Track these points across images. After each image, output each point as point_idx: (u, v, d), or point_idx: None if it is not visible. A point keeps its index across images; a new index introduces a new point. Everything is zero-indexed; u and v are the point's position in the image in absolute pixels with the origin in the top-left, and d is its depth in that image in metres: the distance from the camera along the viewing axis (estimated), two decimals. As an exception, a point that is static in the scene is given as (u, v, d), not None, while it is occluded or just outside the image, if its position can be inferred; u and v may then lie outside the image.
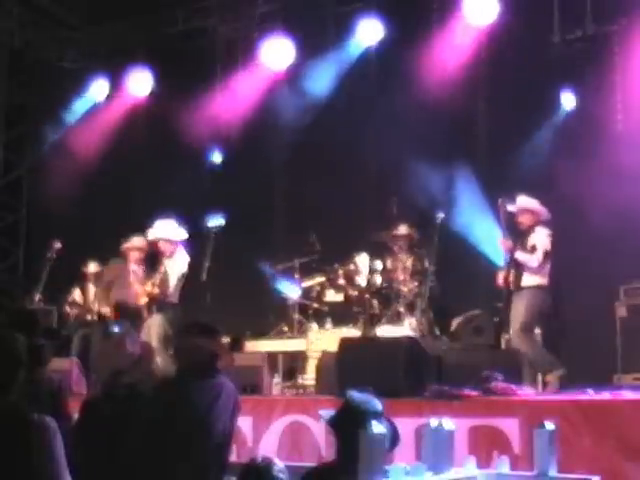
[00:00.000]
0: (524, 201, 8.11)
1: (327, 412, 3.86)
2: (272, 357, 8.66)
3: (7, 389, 3.15)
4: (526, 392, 6.46)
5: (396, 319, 9.33)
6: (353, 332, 9.25)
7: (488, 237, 9.55)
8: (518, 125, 9.82)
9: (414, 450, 5.35)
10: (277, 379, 8.74)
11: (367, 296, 9.53)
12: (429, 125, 9.96)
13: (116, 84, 12.83)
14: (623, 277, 8.58)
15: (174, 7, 12.33)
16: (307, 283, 10.06)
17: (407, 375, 6.52)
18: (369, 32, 11.15)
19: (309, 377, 8.72)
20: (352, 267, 9.73)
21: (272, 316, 10.49)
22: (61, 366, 8.78)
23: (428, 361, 6.91)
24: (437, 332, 9.30)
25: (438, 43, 10.36)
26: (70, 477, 3.19)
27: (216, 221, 9.60)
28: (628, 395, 6.06)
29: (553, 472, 3.87)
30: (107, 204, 11.94)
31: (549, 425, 3.96)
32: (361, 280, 9.62)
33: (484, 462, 4.77)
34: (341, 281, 9.81)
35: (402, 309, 9.33)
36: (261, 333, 10.10)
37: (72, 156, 12.29)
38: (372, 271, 9.61)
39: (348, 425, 3.59)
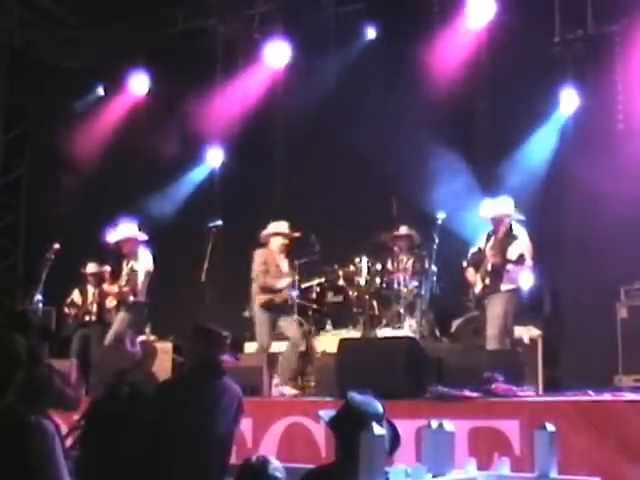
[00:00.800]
0: (500, 206, 8.00)
1: (327, 412, 3.84)
2: (272, 358, 8.64)
3: (5, 390, 3.14)
4: (527, 393, 6.44)
5: (396, 320, 9.32)
6: (353, 333, 9.23)
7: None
8: (518, 125, 9.81)
9: (414, 452, 5.33)
10: (277, 380, 8.72)
11: (367, 297, 9.51)
12: (429, 125, 9.95)
13: (116, 84, 12.82)
14: (624, 278, 8.57)
15: (174, 7, 12.33)
16: (306, 284, 10.05)
17: (407, 376, 6.50)
18: (369, 33, 11.15)
19: (309, 378, 8.70)
20: (352, 268, 9.71)
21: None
22: (60, 367, 8.77)
23: (428, 362, 6.89)
24: (437, 333, 9.28)
25: (438, 43, 10.35)
26: (70, 478, 3.18)
27: (215, 221, 9.59)
28: (629, 396, 6.04)
29: (554, 474, 3.85)
30: (107, 204, 11.91)
31: (550, 426, 3.94)
32: (361, 281, 9.60)
33: (485, 464, 4.75)
34: (341, 282, 9.79)
35: (402, 310, 9.32)
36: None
37: (72, 156, 12.27)
38: (372, 272, 9.59)
39: (348, 427, 3.57)
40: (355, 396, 3.76)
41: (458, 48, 10.33)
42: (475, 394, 6.16)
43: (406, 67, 10.29)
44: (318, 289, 9.95)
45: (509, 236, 7.88)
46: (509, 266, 7.74)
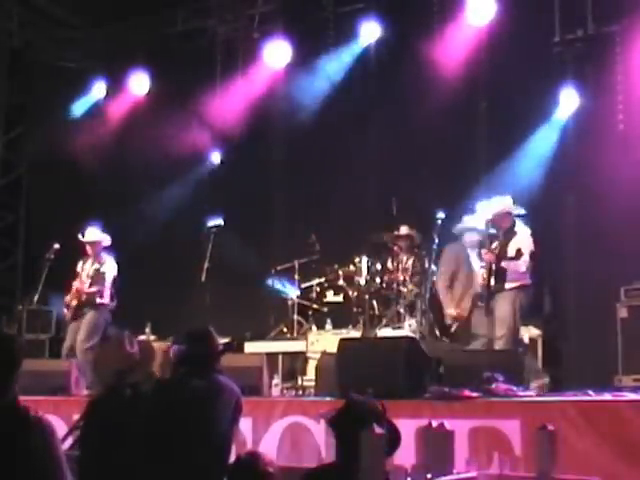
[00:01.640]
0: (503, 203, 7.99)
1: (327, 412, 3.84)
2: (272, 358, 8.64)
3: (5, 389, 3.15)
4: (527, 393, 6.44)
5: (396, 320, 9.32)
6: (353, 333, 9.23)
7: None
8: (518, 125, 9.81)
9: (414, 451, 5.33)
10: (277, 380, 8.72)
11: (367, 297, 9.51)
12: (429, 125, 9.94)
13: (116, 84, 12.82)
14: (624, 278, 8.57)
15: (174, 7, 12.32)
16: (306, 284, 10.05)
17: (407, 376, 6.49)
18: (369, 32, 11.15)
19: (309, 378, 8.70)
20: (352, 268, 9.71)
21: (272, 317, 10.48)
22: (60, 367, 8.78)
23: (428, 362, 6.88)
24: (437, 333, 9.28)
25: (438, 43, 10.35)
26: (70, 475, 3.18)
27: (215, 222, 9.59)
28: (629, 396, 6.04)
29: (554, 473, 3.86)
30: (107, 204, 11.91)
31: (550, 426, 3.94)
32: (361, 281, 9.60)
33: (485, 463, 4.76)
34: (341, 282, 9.79)
35: (402, 310, 9.32)
36: (261, 334, 10.08)
37: (71, 156, 12.26)
38: (372, 272, 9.59)
39: (348, 427, 3.57)
40: (355, 396, 3.76)
41: (458, 48, 10.33)
42: (475, 394, 6.15)
43: (406, 67, 10.29)
44: (318, 289, 9.96)
45: (510, 232, 7.87)
46: (504, 263, 7.73)
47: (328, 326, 9.70)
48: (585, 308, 8.98)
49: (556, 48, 9.94)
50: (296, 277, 10.05)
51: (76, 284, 9.36)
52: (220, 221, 9.59)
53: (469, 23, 10.38)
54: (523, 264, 7.72)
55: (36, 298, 10.01)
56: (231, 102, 11.85)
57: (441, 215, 8.88)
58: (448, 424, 3.90)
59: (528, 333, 8.66)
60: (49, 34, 13.20)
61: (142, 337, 9.68)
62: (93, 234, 9.56)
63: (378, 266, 9.63)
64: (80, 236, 9.55)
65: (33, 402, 3.25)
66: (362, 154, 10.60)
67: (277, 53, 11.67)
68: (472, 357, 7.45)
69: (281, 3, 11.80)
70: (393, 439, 3.70)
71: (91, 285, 9.25)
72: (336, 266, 9.83)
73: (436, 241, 8.80)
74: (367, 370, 6.48)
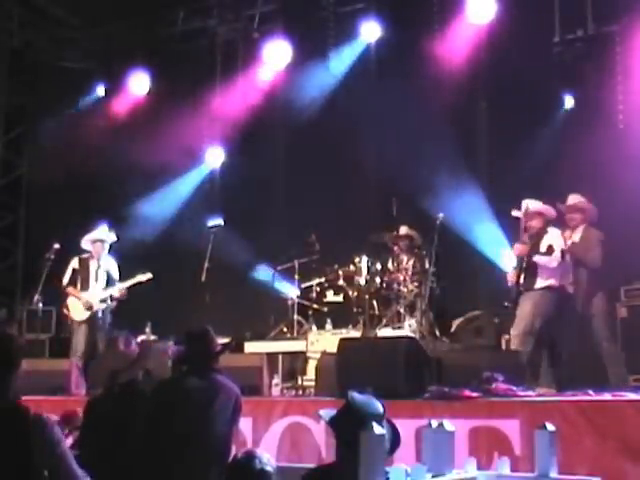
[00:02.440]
0: (532, 204, 8.01)
1: (327, 412, 3.83)
2: (272, 358, 8.64)
3: (4, 388, 3.15)
4: (527, 393, 6.43)
5: (396, 320, 9.32)
6: (353, 333, 9.23)
7: (488, 237, 9.55)
8: (519, 125, 9.81)
9: (414, 451, 5.33)
10: (277, 380, 8.72)
11: (367, 297, 9.51)
12: (429, 125, 9.95)
13: (116, 84, 12.82)
14: (624, 278, 8.57)
15: (174, 7, 12.33)
16: (306, 284, 10.05)
17: (407, 376, 6.49)
18: (369, 32, 11.15)
19: (309, 378, 8.69)
20: (352, 268, 9.71)
21: (272, 317, 10.47)
22: (60, 367, 8.78)
23: (428, 362, 6.88)
24: (437, 333, 9.28)
25: (439, 43, 10.35)
26: (79, 467, 3.19)
27: (216, 221, 9.59)
28: (629, 396, 6.03)
29: (554, 473, 3.85)
30: (107, 204, 11.90)
31: (550, 426, 3.94)
32: (361, 281, 9.60)
33: (485, 463, 4.77)
34: (341, 282, 9.79)
35: (402, 310, 9.32)
36: (261, 334, 10.08)
37: (71, 156, 12.26)
38: (372, 272, 9.59)
39: (349, 426, 3.57)
40: (355, 396, 3.75)
41: (458, 48, 10.33)
42: (475, 394, 6.15)
43: (406, 67, 10.28)
44: (318, 289, 9.96)
45: (542, 232, 7.86)
46: (536, 257, 7.72)
47: (328, 326, 9.70)
48: (585, 308, 8.96)
49: (556, 48, 9.94)
50: (296, 277, 10.04)
51: (96, 286, 9.30)
52: (220, 221, 9.59)
53: (469, 23, 10.39)
54: (554, 260, 7.70)
55: (36, 298, 10.01)
56: (231, 102, 11.85)
57: (441, 215, 8.88)
58: (448, 424, 3.88)
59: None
60: (49, 34, 13.20)
61: (142, 337, 9.67)
62: (106, 233, 9.53)
63: (378, 266, 9.63)
64: (93, 235, 9.48)
65: (33, 402, 3.25)
66: (362, 154, 10.60)
67: (277, 53, 11.67)
68: (472, 357, 7.45)
69: (281, 3, 11.81)
70: (393, 439, 3.69)
71: (106, 286, 9.31)
72: (336, 266, 9.83)
73: (436, 241, 8.79)
74: (367, 370, 6.48)
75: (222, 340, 5.71)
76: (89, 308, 9.28)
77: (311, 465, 4.89)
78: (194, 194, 12.11)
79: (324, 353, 8.00)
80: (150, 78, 12.51)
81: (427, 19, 10.49)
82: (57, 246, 9.90)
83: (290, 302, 9.98)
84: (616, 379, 7.27)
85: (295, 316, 9.91)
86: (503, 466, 4.04)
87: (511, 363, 6.98)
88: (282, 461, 6.07)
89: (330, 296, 9.92)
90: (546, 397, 6.45)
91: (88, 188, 12.35)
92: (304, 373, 8.97)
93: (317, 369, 7.81)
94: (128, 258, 10.01)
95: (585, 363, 8.22)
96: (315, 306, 9.93)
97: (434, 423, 3.89)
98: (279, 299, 10.25)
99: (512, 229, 8.46)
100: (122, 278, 9.57)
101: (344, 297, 9.80)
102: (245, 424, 6.35)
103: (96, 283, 9.38)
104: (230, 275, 10.48)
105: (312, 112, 10.98)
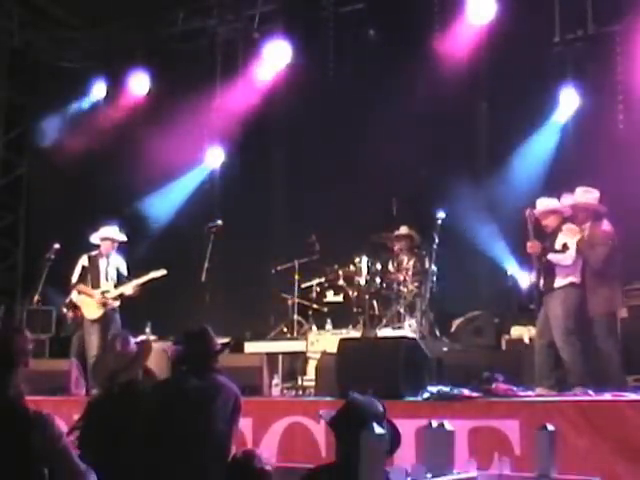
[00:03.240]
0: (546, 203, 7.87)
1: (327, 412, 3.84)
2: (272, 358, 8.64)
3: (4, 387, 3.15)
4: (527, 393, 6.43)
5: (396, 320, 9.32)
6: (353, 333, 9.23)
7: (489, 237, 9.55)
8: (519, 125, 9.82)
9: (414, 451, 5.33)
10: (277, 380, 8.72)
11: (367, 297, 9.51)
12: (430, 125, 9.95)
13: (116, 84, 12.82)
14: (624, 278, 8.55)
15: (174, 7, 12.33)
16: (306, 284, 10.05)
17: (407, 376, 6.49)
18: (368, 32, 11.14)
19: (309, 378, 8.70)
20: (352, 268, 9.72)
21: (272, 317, 10.48)
22: (60, 367, 8.78)
23: (428, 362, 6.88)
24: (437, 333, 9.28)
25: (439, 43, 10.35)
26: (81, 461, 3.19)
27: (215, 222, 9.58)
28: (628, 396, 6.03)
29: (554, 473, 3.85)
30: (107, 204, 11.91)
31: (550, 426, 3.94)
32: (361, 281, 9.60)
33: (485, 464, 4.76)
34: (341, 282, 9.79)
35: (402, 310, 9.32)
36: (261, 334, 10.08)
37: (71, 156, 12.27)
38: (372, 272, 9.59)
39: (349, 427, 3.57)
40: (356, 396, 3.76)
41: (458, 48, 10.33)
42: (475, 394, 6.15)
43: (406, 67, 10.29)
44: (318, 289, 9.96)
45: (557, 230, 7.74)
46: (550, 256, 7.60)
47: (328, 326, 9.70)
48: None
49: (556, 48, 9.94)
50: (296, 277, 10.05)
51: (106, 284, 9.27)
52: (220, 221, 9.59)
53: (469, 23, 10.39)
54: (569, 257, 7.48)
55: (36, 298, 10.01)
56: (231, 102, 11.86)
57: (441, 215, 8.86)
58: (448, 424, 3.89)
59: (528, 333, 8.65)
60: (49, 34, 13.21)
61: (142, 337, 9.67)
62: (116, 232, 9.52)
63: (378, 266, 9.64)
64: (103, 232, 9.45)
65: (33, 402, 3.25)
66: (362, 154, 10.60)
67: (277, 53, 11.67)
68: (472, 357, 7.44)
69: (281, 3, 11.81)
70: (393, 439, 3.70)
71: (116, 286, 9.28)
72: (336, 266, 9.83)
73: (436, 241, 8.79)
74: (367, 370, 6.48)
75: (222, 340, 5.70)
76: (103, 304, 9.18)
77: (311, 465, 4.88)
78: (194, 194, 12.12)
79: (324, 353, 8.00)
80: (150, 78, 12.51)
81: (427, 19, 10.49)
82: (57, 246, 9.90)
83: (290, 302, 9.99)
84: (614, 379, 7.21)
85: (295, 316, 9.91)
86: (503, 466, 4.04)
87: (511, 363, 6.98)
88: (282, 461, 6.07)
89: (330, 296, 9.93)
90: (546, 397, 6.44)
91: (88, 188, 12.35)
92: (304, 373, 8.97)
93: (317, 369, 7.81)
94: (128, 258, 10.00)
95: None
96: (315, 306, 9.94)
97: (434, 423, 3.90)
98: (279, 299, 10.25)
99: (512, 229, 8.45)
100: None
101: (344, 297, 9.80)
102: (245, 424, 6.34)
103: (106, 281, 9.33)
104: (230, 275, 10.48)
105: (312, 112, 10.97)
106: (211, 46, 12.23)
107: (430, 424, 3.90)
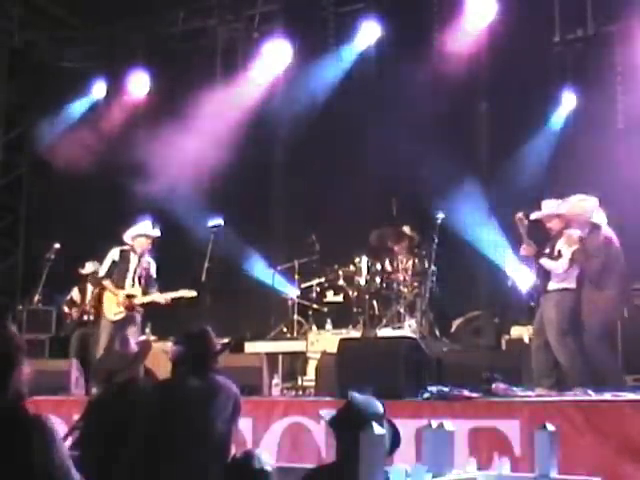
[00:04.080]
0: (551, 205, 7.78)
1: (327, 412, 3.84)
2: (272, 358, 8.63)
3: (3, 389, 3.14)
4: (527, 393, 6.43)
5: (396, 320, 9.32)
6: (353, 333, 9.23)
7: (488, 237, 9.55)
8: (519, 125, 9.81)
9: (414, 451, 5.33)
10: (277, 380, 8.72)
11: (367, 297, 9.51)
12: (430, 125, 9.94)
13: (116, 84, 12.82)
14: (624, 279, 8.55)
15: (174, 7, 12.33)
16: (306, 284, 10.05)
17: (407, 376, 6.49)
18: (369, 32, 11.15)
19: (309, 378, 8.70)
20: (352, 268, 9.72)
21: (272, 317, 10.48)
22: (60, 367, 8.77)
23: (428, 362, 6.88)
24: (437, 333, 9.28)
25: (439, 43, 10.35)
26: (77, 473, 3.18)
27: (216, 222, 9.58)
28: (628, 396, 6.04)
29: (554, 474, 3.85)
30: (106, 204, 11.92)
31: (550, 426, 3.94)
32: (361, 281, 9.60)
33: (485, 464, 4.76)
34: (341, 282, 9.80)
35: (402, 310, 9.32)
36: (261, 334, 10.08)
37: (71, 156, 12.26)
38: (372, 272, 9.59)
39: (349, 427, 3.57)
40: (355, 396, 3.76)
41: (458, 48, 10.34)
42: (475, 394, 6.15)
43: (406, 67, 10.28)
44: (318, 289, 9.96)
45: (559, 234, 7.68)
46: (542, 260, 7.58)
47: (328, 326, 9.70)
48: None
49: (556, 48, 9.94)
50: (296, 277, 10.05)
51: (132, 289, 8.99)
52: (220, 221, 9.58)
53: (469, 23, 10.39)
54: (560, 266, 7.43)
55: (36, 298, 10.01)
56: (231, 102, 11.85)
57: (441, 215, 8.86)
58: (448, 424, 3.88)
59: (528, 333, 8.65)
60: (49, 34, 13.20)
61: (142, 337, 9.67)
62: (150, 228, 9.24)
63: (378, 266, 9.64)
64: (136, 229, 9.22)
65: (33, 402, 3.24)
66: (362, 154, 10.61)
67: (277, 53, 11.67)
68: (472, 357, 7.44)
69: (281, 3, 11.81)
70: (393, 439, 3.70)
71: (146, 287, 9.03)
72: (336, 266, 9.83)
73: (436, 241, 8.79)
74: (367, 370, 6.48)
75: (222, 340, 5.70)
76: (127, 308, 8.92)
77: (311, 465, 4.89)
78: (194, 194, 12.10)
79: (324, 353, 8.00)
80: (150, 78, 12.51)
81: (427, 19, 10.49)
82: (57, 246, 9.91)
83: (290, 302, 9.99)
84: (611, 382, 7.18)
85: (295, 316, 9.91)
86: (503, 466, 4.04)
87: (511, 363, 6.97)
88: (282, 461, 6.07)
89: (330, 296, 9.93)
90: (546, 397, 6.44)
91: (88, 188, 12.34)
92: (304, 373, 8.97)
93: (317, 369, 7.81)
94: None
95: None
96: (315, 306, 9.94)
97: (434, 423, 3.89)
98: (279, 299, 10.25)
99: (512, 229, 8.44)
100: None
101: (344, 297, 9.80)
102: (245, 424, 6.34)
103: (132, 282, 9.02)
104: (230, 275, 10.47)
105: (312, 112, 10.98)
106: (211, 46, 12.23)
107: (430, 424, 3.90)
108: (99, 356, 8.66)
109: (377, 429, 3.29)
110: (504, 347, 8.75)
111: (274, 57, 11.71)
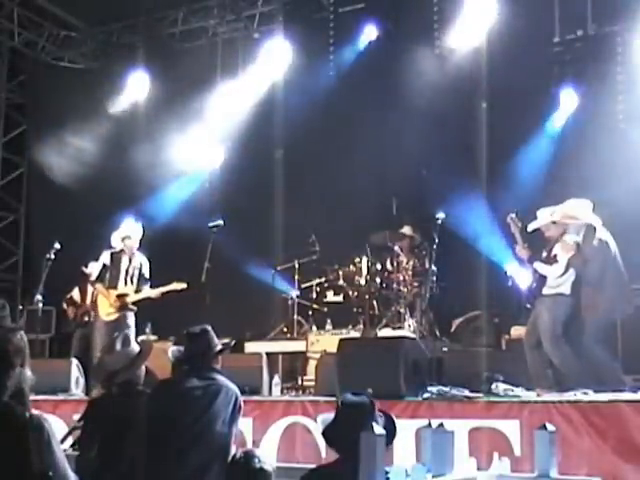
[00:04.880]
0: (544, 216, 7.67)
1: (325, 419, 3.85)
2: (272, 358, 8.63)
3: (1, 389, 3.13)
4: (527, 393, 6.43)
5: (396, 320, 9.32)
6: (353, 333, 9.23)
7: (488, 237, 9.54)
8: (519, 125, 9.81)
9: (414, 452, 5.33)
10: (277, 380, 8.72)
11: (367, 297, 9.51)
12: (430, 125, 9.95)
13: (116, 84, 12.82)
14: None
15: (174, 7, 12.33)
16: (306, 284, 10.05)
17: (407, 376, 6.49)
18: (369, 33, 11.15)
19: (309, 378, 8.70)
20: (352, 268, 9.71)
21: (272, 317, 10.47)
22: (60, 367, 8.77)
23: (428, 362, 6.88)
24: (437, 333, 9.28)
25: (439, 43, 10.36)
26: (73, 473, 3.18)
27: (215, 222, 9.57)
28: (628, 396, 6.04)
29: (554, 473, 3.85)
30: (107, 204, 11.91)
31: (550, 426, 3.94)
32: (361, 281, 9.60)
33: (485, 464, 4.76)
34: (341, 282, 9.79)
35: (402, 310, 9.32)
36: (261, 334, 10.08)
37: (71, 156, 12.27)
38: (372, 272, 9.59)
39: (340, 436, 3.59)
40: (347, 397, 3.77)
41: (458, 48, 10.34)
42: (475, 394, 6.15)
43: (406, 67, 10.29)
44: (318, 289, 9.96)
45: (559, 239, 7.66)
46: (535, 264, 7.57)
47: (328, 326, 9.71)
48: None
49: (556, 48, 9.94)
50: (296, 277, 10.04)
51: (124, 288, 9.02)
52: (220, 221, 9.57)
53: (469, 23, 10.39)
54: (553, 273, 7.44)
55: (36, 298, 10.00)
56: (231, 102, 11.86)
57: (441, 215, 8.86)
58: (448, 424, 3.88)
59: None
60: (49, 34, 13.21)
61: (142, 337, 9.67)
62: (132, 227, 9.24)
63: (378, 266, 9.63)
64: (121, 231, 9.20)
65: (33, 402, 3.23)
66: (362, 154, 10.60)
67: (277, 53, 11.67)
68: (472, 357, 7.43)
69: (281, 3, 11.82)
70: (390, 429, 3.70)
71: (138, 285, 9.05)
72: (336, 266, 9.83)
73: (436, 241, 8.79)
74: (367, 370, 6.47)
75: (222, 340, 5.70)
76: (119, 307, 8.99)
77: (311, 465, 4.89)
78: (194, 194, 12.11)
79: (324, 353, 8.00)
80: (150, 78, 12.51)
81: (427, 19, 10.49)
82: (57, 246, 9.89)
83: (290, 302, 9.98)
84: (610, 382, 7.17)
85: (295, 316, 9.91)
86: (503, 466, 4.04)
87: (511, 363, 6.97)
88: (282, 461, 6.07)
89: (330, 296, 9.93)
90: (546, 397, 6.44)
91: (88, 188, 12.34)
92: (304, 373, 8.97)
93: (317, 369, 7.81)
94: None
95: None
96: (315, 306, 9.94)
97: (434, 423, 3.89)
98: (279, 299, 10.24)
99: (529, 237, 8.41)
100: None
101: (344, 297, 9.80)
102: (245, 424, 6.35)
103: (125, 283, 9.09)
104: (230, 275, 10.47)
105: (312, 112, 10.97)
106: (211, 46, 12.23)
107: (430, 424, 3.90)
108: (98, 356, 8.66)
109: (377, 429, 3.29)
110: (504, 347, 8.75)
111: (274, 57, 11.71)
